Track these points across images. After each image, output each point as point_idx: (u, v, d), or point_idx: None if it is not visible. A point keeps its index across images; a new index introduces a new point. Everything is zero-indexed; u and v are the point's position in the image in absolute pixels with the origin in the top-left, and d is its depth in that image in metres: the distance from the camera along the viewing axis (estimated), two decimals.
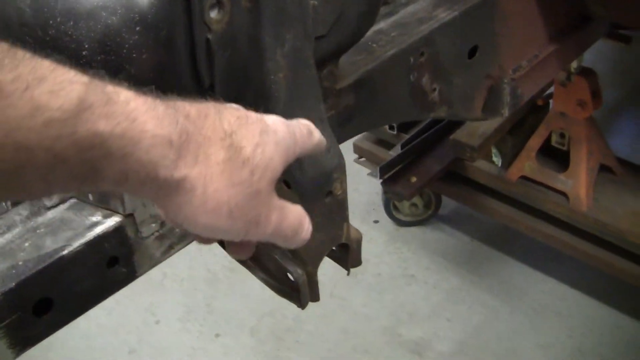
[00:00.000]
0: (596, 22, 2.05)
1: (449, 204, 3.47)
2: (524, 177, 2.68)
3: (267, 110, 1.02)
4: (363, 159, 3.29)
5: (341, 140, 1.36)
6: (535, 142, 2.63)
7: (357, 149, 3.25)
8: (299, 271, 1.13)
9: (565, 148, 2.60)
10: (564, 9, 1.91)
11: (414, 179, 2.70)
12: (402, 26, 1.47)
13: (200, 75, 0.94)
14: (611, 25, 2.18)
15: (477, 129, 2.55)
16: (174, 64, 0.90)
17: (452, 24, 1.50)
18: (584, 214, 2.50)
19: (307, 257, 1.12)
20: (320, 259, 1.15)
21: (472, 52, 1.60)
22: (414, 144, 2.76)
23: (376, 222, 3.58)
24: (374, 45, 1.41)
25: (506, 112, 1.85)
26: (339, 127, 1.33)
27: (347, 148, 3.42)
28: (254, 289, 3.15)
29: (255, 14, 0.95)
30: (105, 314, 3.19)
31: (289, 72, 0.99)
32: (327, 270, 3.29)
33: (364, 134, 3.27)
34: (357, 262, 1.24)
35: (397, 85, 1.42)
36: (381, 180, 2.72)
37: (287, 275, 1.15)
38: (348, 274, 1.25)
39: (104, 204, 1.07)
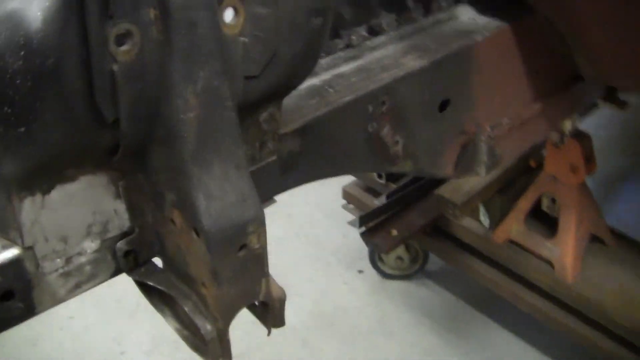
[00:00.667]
0: (589, 83, 1.94)
1: (437, 259, 3.35)
2: (510, 240, 2.55)
3: (176, 152, 0.92)
4: (351, 205, 3.19)
5: (285, 187, 1.26)
6: (524, 204, 2.51)
7: (345, 195, 3.15)
8: (208, 327, 1.03)
9: (555, 214, 2.48)
10: (553, 68, 1.81)
11: (394, 232, 2.59)
12: (364, 71, 1.37)
13: (101, 109, 0.85)
14: (607, 88, 2.07)
15: (462, 186, 2.45)
16: (64, 96, 0.81)
17: (419, 74, 1.40)
18: (568, 285, 2.37)
19: (217, 312, 1.02)
20: (232, 316, 1.04)
21: (443, 105, 1.51)
22: (399, 196, 2.65)
23: (360, 271, 3.46)
24: (330, 89, 1.32)
25: (483, 172, 1.74)
26: (282, 173, 1.23)
27: (336, 193, 3.32)
28: None
29: (166, 46, 0.86)
30: (70, 339, 3.09)
31: (200, 112, 0.90)
32: (302, 316, 3.16)
33: (353, 180, 3.17)
34: (280, 322, 1.13)
35: (353, 135, 1.32)
36: (360, 231, 2.61)
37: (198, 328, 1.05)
38: (268, 334, 1.14)
39: (3, 233, 0.98)
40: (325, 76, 1.35)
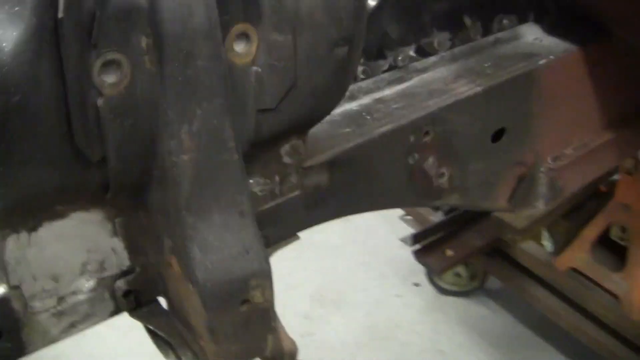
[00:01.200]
0: None
1: None
2: (573, 269, 2.37)
3: (170, 197, 0.82)
4: (409, 216, 3.05)
5: (310, 224, 1.15)
6: (591, 232, 2.32)
7: None
8: None
9: (625, 244, 2.28)
10: (630, 94, 1.63)
11: (449, 252, 2.45)
12: (408, 97, 1.24)
13: (82, 149, 0.76)
14: None
15: None
16: (37, 135, 0.72)
17: (471, 101, 1.26)
18: (635, 323, 2.18)
19: None
20: None
21: (498, 135, 1.36)
22: (457, 213, 2.50)
23: (416, 284, 3.33)
24: (368, 117, 1.19)
25: (541, 205, 1.58)
26: (305, 209, 1.12)
27: None
28: None
29: (160, 79, 0.76)
30: (115, 336, 3.07)
31: (197, 155, 0.80)
32: (353, 328, 3.03)
33: None
34: None
35: (390, 168, 1.20)
36: (412, 249, 2.48)
37: None
38: None
39: None
40: (364, 100, 1.23)
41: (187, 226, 0.82)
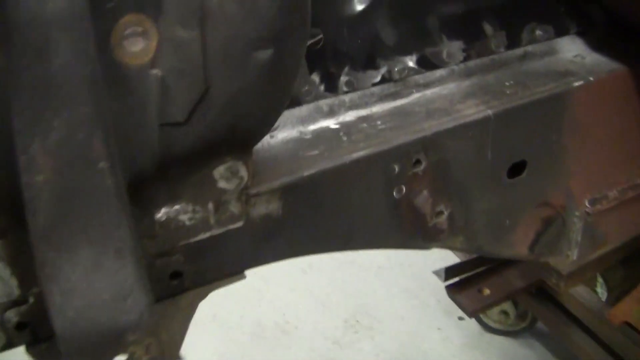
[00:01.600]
0: None
1: None
2: (628, 324, 2.07)
3: (28, 225, 0.65)
4: None
5: (260, 261, 0.96)
6: None
7: None
8: None
9: None
10: None
11: (486, 292, 2.19)
12: (401, 116, 1.03)
13: None
14: None
15: None
16: None
17: (479, 126, 1.04)
18: None
19: None
20: None
21: (517, 169, 1.13)
22: None
23: (460, 319, 3.06)
24: (345, 138, 0.99)
25: (574, 255, 1.34)
26: (252, 244, 0.93)
27: None
28: None
29: (10, 78, 0.59)
30: None
31: (54, 176, 0.62)
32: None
33: None
34: None
35: (366, 201, 0.99)
36: (446, 285, 2.23)
37: None
38: None
39: None
40: (345, 117, 1.03)
41: (46, 262, 0.65)
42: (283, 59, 0.69)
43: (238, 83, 0.69)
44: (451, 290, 2.24)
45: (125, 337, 0.68)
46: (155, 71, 0.67)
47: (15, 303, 0.82)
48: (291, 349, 2.94)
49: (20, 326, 0.83)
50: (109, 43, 0.63)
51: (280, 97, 0.75)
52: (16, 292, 0.81)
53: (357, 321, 3.11)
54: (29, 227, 0.64)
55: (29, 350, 0.87)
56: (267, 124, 0.78)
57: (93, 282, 0.66)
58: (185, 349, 2.84)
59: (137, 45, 0.66)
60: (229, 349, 2.91)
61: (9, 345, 0.86)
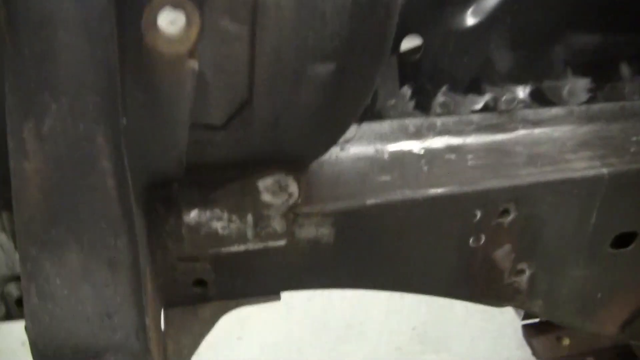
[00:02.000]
0: None
1: None
2: None
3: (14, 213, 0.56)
4: None
5: (297, 286, 0.85)
6: None
7: None
8: None
9: None
10: None
11: (566, 342, 1.98)
12: (497, 155, 0.88)
13: None
14: None
15: None
16: None
17: (586, 184, 0.87)
18: None
19: None
20: None
21: (624, 241, 0.95)
22: None
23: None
24: (425, 167, 0.85)
25: None
26: (292, 268, 0.82)
27: None
28: None
29: (7, 49, 0.50)
30: None
31: (46, 167, 0.53)
32: None
33: None
34: None
35: (436, 245, 0.85)
36: (523, 324, 2.05)
37: None
38: None
39: None
40: (432, 142, 0.88)
41: (28, 258, 0.56)
42: (348, 78, 0.57)
43: (287, 98, 0.57)
44: (527, 330, 2.06)
45: (104, 358, 0.59)
46: (193, 63, 0.56)
47: (17, 277, 0.75)
48: (351, 346, 2.84)
49: (20, 302, 0.77)
50: (139, 23, 0.52)
51: (339, 124, 0.62)
52: (18, 265, 0.73)
53: (426, 332, 2.97)
54: (14, 216, 0.55)
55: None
56: (318, 151, 0.66)
57: (77, 291, 0.57)
58: (242, 325, 2.77)
59: (174, 30, 0.55)
60: (288, 333, 2.84)
61: (8, 317, 0.80)
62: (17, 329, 0.77)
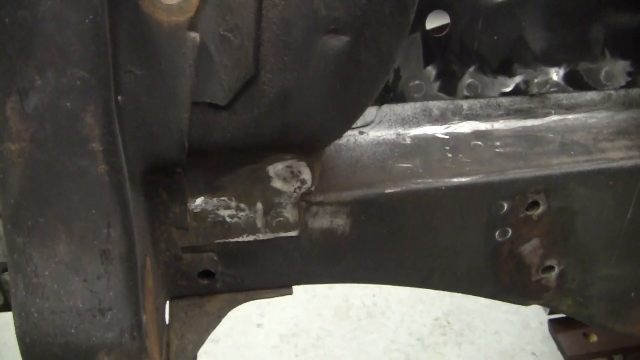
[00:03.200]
0: None
1: None
2: None
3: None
4: None
5: (310, 279, 0.80)
6: None
7: None
8: None
9: None
10: None
11: (593, 338, 1.92)
12: (527, 142, 0.82)
13: None
14: None
15: None
16: None
17: (624, 176, 0.81)
18: None
19: None
20: None
21: None
22: None
23: None
24: (450, 154, 0.80)
25: None
26: (305, 260, 0.76)
27: None
28: None
29: None
30: None
31: (31, 147, 0.48)
32: None
33: None
34: None
35: (459, 238, 0.80)
36: (549, 318, 1.98)
37: None
38: None
39: None
40: (457, 127, 0.83)
41: (15, 248, 0.51)
42: (363, 53, 0.51)
43: (297, 74, 0.52)
44: (554, 325, 1.99)
45: (96, 357, 0.54)
46: (194, 35, 0.51)
47: None
48: (371, 335, 2.79)
49: None
50: None
51: (355, 105, 0.57)
52: None
53: (449, 323, 2.91)
54: (0, 202, 0.51)
55: None
56: (332, 134, 0.61)
57: (67, 284, 0.53)
58: (261, 312, 2.73)
59: None
60: (308, 322, 2.80)
61: (6, 307, 0.76)
62: None
